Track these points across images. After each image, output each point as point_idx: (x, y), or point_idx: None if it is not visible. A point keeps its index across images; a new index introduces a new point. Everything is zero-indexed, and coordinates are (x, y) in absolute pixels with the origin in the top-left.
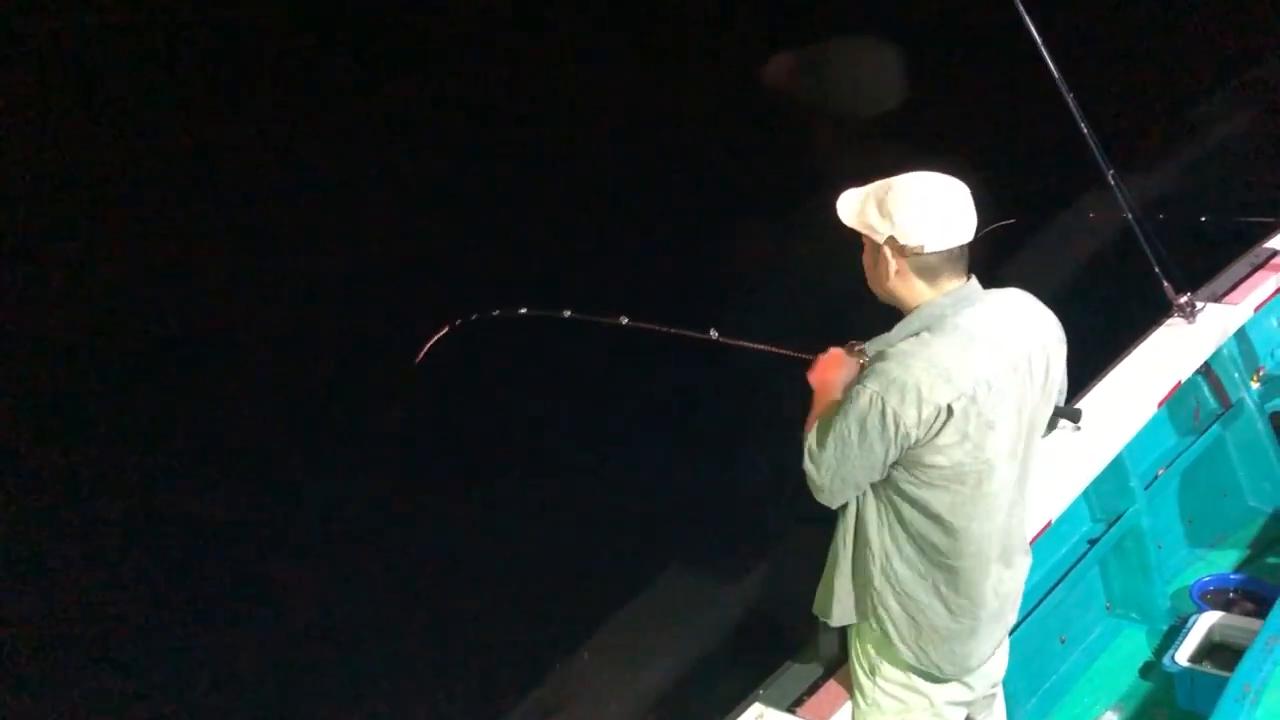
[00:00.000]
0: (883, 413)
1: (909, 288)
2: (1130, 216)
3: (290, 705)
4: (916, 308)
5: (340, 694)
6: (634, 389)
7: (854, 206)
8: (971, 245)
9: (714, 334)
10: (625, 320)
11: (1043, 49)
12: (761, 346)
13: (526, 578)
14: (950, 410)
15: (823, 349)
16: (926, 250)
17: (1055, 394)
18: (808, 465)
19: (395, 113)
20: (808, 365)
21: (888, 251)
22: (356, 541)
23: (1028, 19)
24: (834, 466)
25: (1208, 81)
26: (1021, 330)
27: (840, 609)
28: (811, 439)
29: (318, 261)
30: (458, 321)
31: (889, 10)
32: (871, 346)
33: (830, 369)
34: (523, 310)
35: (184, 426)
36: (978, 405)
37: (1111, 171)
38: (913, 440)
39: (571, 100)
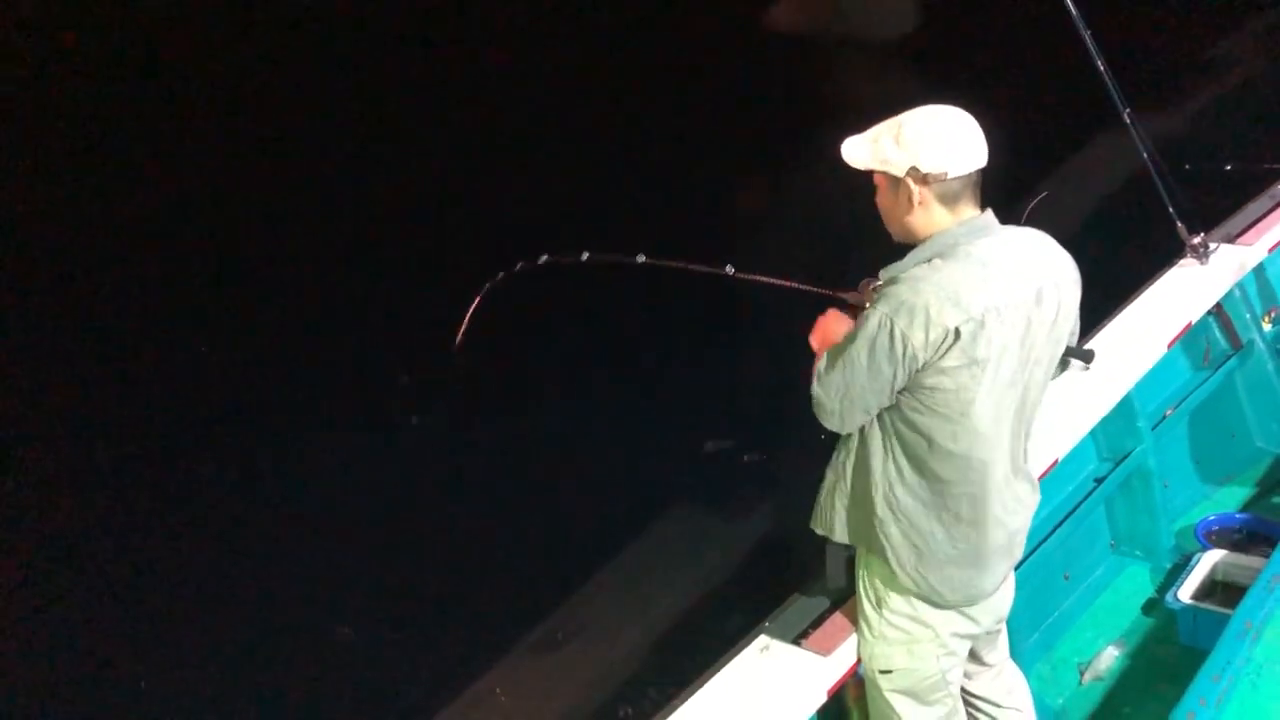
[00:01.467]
0: (891, 334)
1: (929, 219)
2: (1145, 156)
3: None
4: (929, 236)
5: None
6: (637, 327)
7: (864, 149)
8: (987, 183)
9: (729, 269)
10: (642, 258)
11: None
12: (777, 281)
13: (535, 513)
14: (958, 333)
15: (839, 284)
16: (950, 175)
17: (1066, 332)
18: (815, 389)
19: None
20: (824, 300)
21: (910, 183)
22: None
23: None
24: (842, 389)
25: (1227, 21)
26: (1035, 265)
27: (833, 520)
28: (821, 363)
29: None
30: (486, 286)
31: None
32: (885, 273)
33: (830, 326)
34: (544, 258)
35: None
36: (986, 331)
37: (1128, 110)
38: (920, 362)
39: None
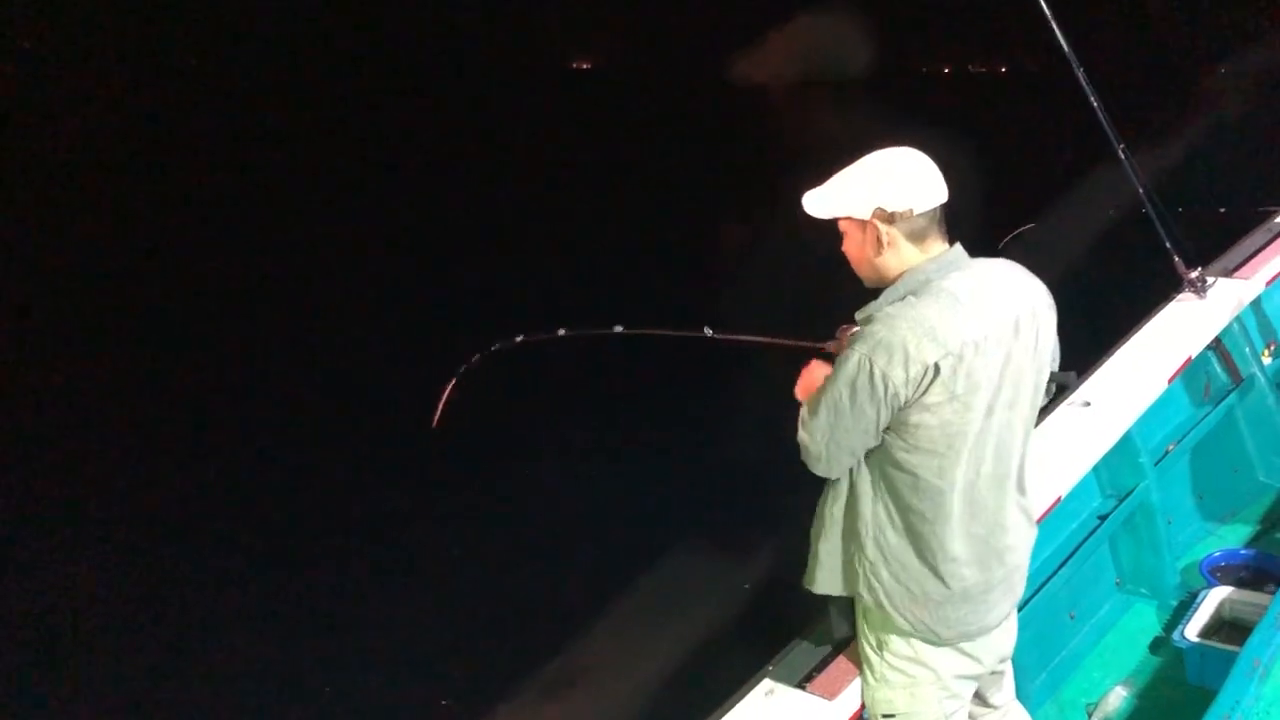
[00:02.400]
0: (871, 374)
1: (900, 258)
2: (1141, 192)
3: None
4: (901, 274)
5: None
6: (641, 377)
7: (826, 198)
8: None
9: (708, 331)
10: (620, 329)
11: (1054, 24)
12: (757, 339)
13: (543, 559)
14: (937, 368)
15: (820, 335)
16: (916, 212)
17: (1048, 359)
18: (801, 435)
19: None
20: (803, 352)
21: (877, 224)
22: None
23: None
24: (828, 432)
25: (1222, 59)
26: (1009, 295)
27: (824, 575)
28: (804, 409)
29: None
30: (461, 369)
31: None
32: (860, 314)
33: (812, 379)
34: (519, 338)
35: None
36: (965, 364)
37: (1122, 146)
38: (902, 400)
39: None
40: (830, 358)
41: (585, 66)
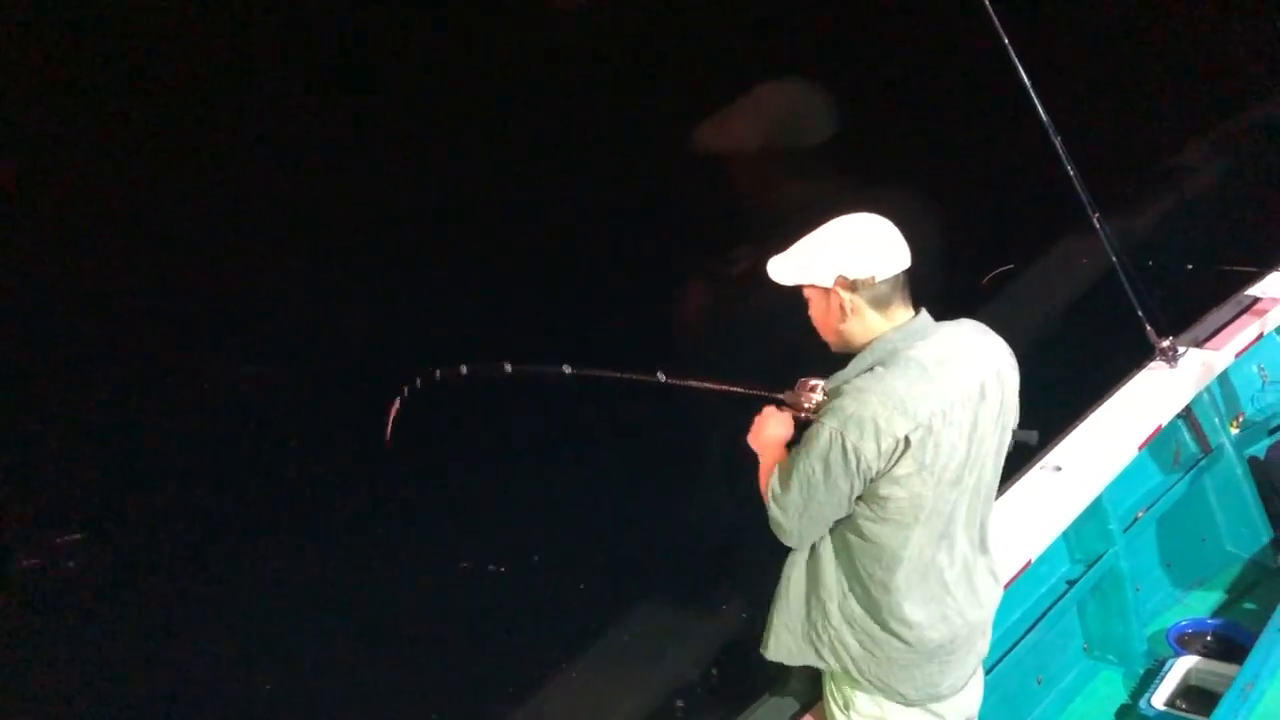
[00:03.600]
0: (843, 448)
1: (864, 325)
2: (1115, 259)
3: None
4: (868, 344)
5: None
6: (598, 429)
7: (789, 266)
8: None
9: (661, 377)
10: (568, 369)
11: (1031, 91)
12: (710, 385)
13: (503, 612)
14: (908, 441)
15: (774, 385)
16: (878, 279)
17: (1011, 421)
18: (773, 511)
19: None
20: (756, 400)
21: (839, 292)
22: (341, 565)
23: (1017, 62)
24: (801, 507)
25: (1192, 126)
26: (974, 360)
27: (779, 644)
28: (774, 483)
29: None
30: (404, 389)
31: (872, 50)
32: (829, 385)
33: (765, 427)
34: (463, 369)
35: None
36: (934, 435)
37: (1097, 214)
38: (874, 473)
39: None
40: (785, 407)
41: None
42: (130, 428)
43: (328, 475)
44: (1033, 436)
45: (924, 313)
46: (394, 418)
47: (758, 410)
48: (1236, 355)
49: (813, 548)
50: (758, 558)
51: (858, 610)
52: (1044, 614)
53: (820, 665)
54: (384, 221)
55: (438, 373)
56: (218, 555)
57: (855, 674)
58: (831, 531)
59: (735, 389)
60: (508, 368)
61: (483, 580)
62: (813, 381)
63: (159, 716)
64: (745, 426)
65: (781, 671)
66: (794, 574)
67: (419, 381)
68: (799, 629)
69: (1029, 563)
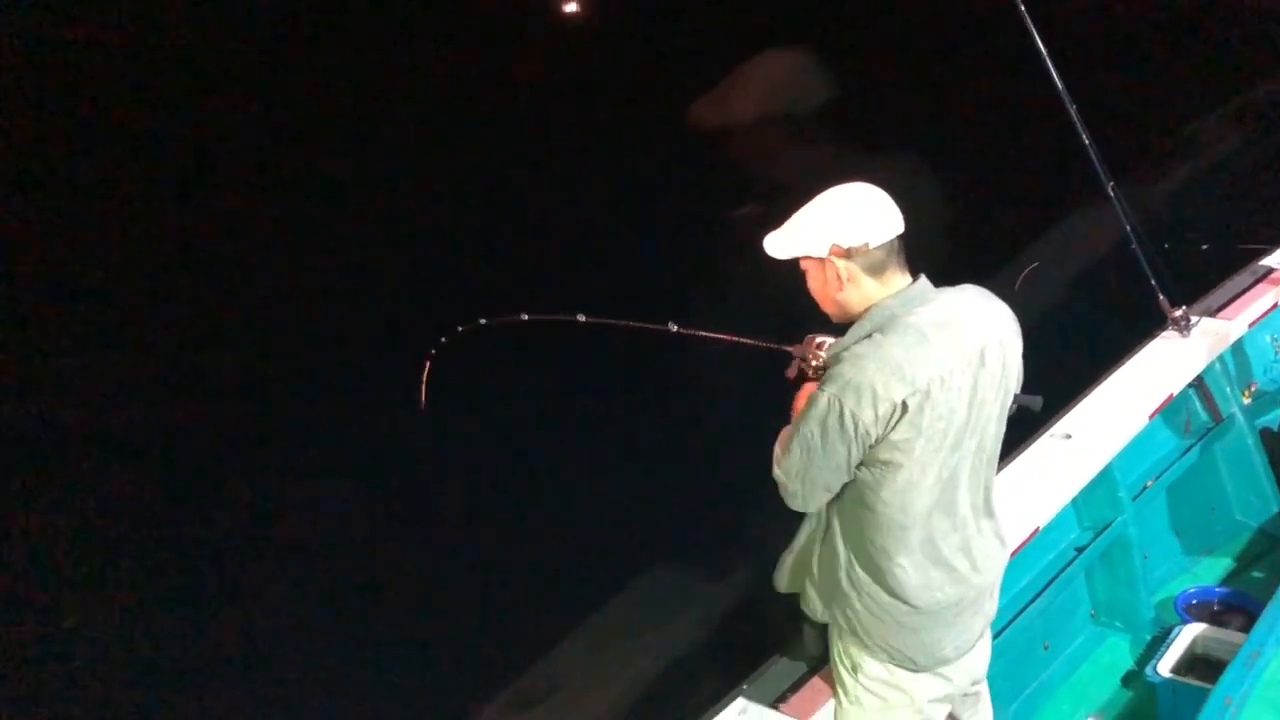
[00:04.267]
0: (840, 414)
1: (861, 292)
2: (1129, 229)
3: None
4: (866, 310)
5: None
6: (617, 388)
7: (784, 240)
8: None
9: (673, 327)
10: (582, 317)
11: (1048, 61)
12: (721, 336)
13: (515, 572)
14: (905, 406)
15: (786, 339)
16: (872, 245)
17: (1014, 384)
18: (776, 472)
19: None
20: (769, 352)
21: (835, 261)
22: (344, 537)
23: (1034, 31)
24: (801, 470)
25: (1209, 97)
26: (975, 325)
27: (811, 603)
28: (777, 447)
29: None
30: (431, 351)
31: (892, 19)
32: (829, 352)
33: (803, 397)
34: (483, 321)
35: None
36: (932, 400)
37: (1112, 184)
38: (873, 438)
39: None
40: (794, 361)
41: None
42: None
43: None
44: (1037, 402)
45: (923, 278)
46: (427, 378)
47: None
48: (1250, 325)
49: (824, 516)
50: (768, 521)
51: (863, 576)
52: (1052, 580)
53: (835, 626)
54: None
55: (459, 328)
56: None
57: (866, 639)
58: (839, 500)
59: (745, 340)
60: (524, 317)
61: (493, 543)
62: (819, 338)
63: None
64: (767, 382)
65: (790, 633)
66: (811, 542)
67: (442, 340)
68: (814, 587)
69: (1037, 529)
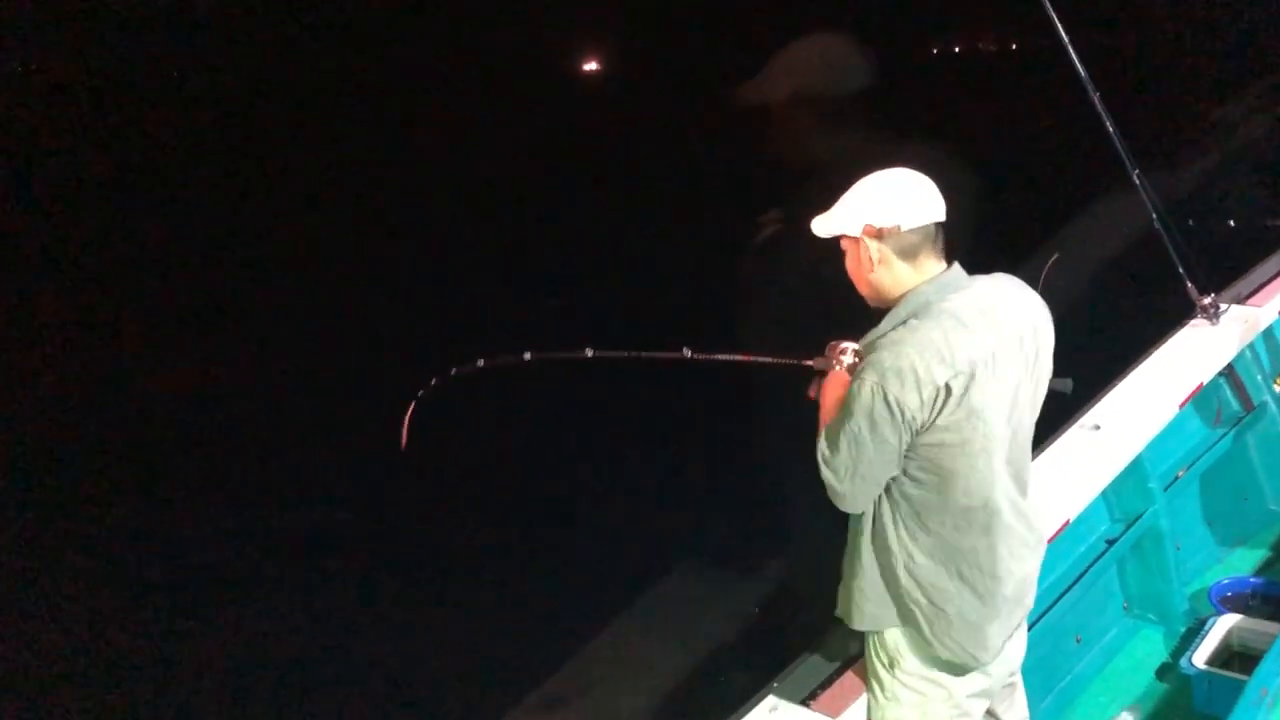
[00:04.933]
0: (886, 401)
1: (893, 275)
2: (1155, 217)
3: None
4: (901, 297)
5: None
6: (651, 389)
7: (825, 220)
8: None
9: (687, 353)
10: (590, 352)
11: (1069, 48)
12: (738, 358)
13: (546, 572)
14: (948, 389)
15: (807, 352)
16: (904, 228)
17: (1047, 373)
18: (825, 474)
19: None
20: (789, 369)
21: (867, 241)
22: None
23: (1056, 19)
24: (851, 466)
25: (1235, 82)
26: (1011, 312)
27: (862, 614)
28: (822, 447)
29: None
30: (419, 393)
31: (916, 10)
32: (863, 342)
33: (831, 391)
34: (480, 363)
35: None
36: (975, 383)
37: (1137, 171)
38: (919, 423)
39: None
40: (819, 374)
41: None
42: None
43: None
44: (1067, 385)
45: (956, 266)
46: (409, 421)
47: (813, 380)
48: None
49: (875, 513)
50: (798, 519)
51: (925, 564)
52: (1084, 573)
53: (895, 626)
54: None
55: (453, 370)
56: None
57: (928, 633)
58: (887, 493)
59: (764, 359)
60: (527, 356)
61: (524, 543)
62: (842, 344)
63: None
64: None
65: (829, 625)
66: (860, 541)
67: (434, 381)
68: (874, 593)
69: (1068, 521)
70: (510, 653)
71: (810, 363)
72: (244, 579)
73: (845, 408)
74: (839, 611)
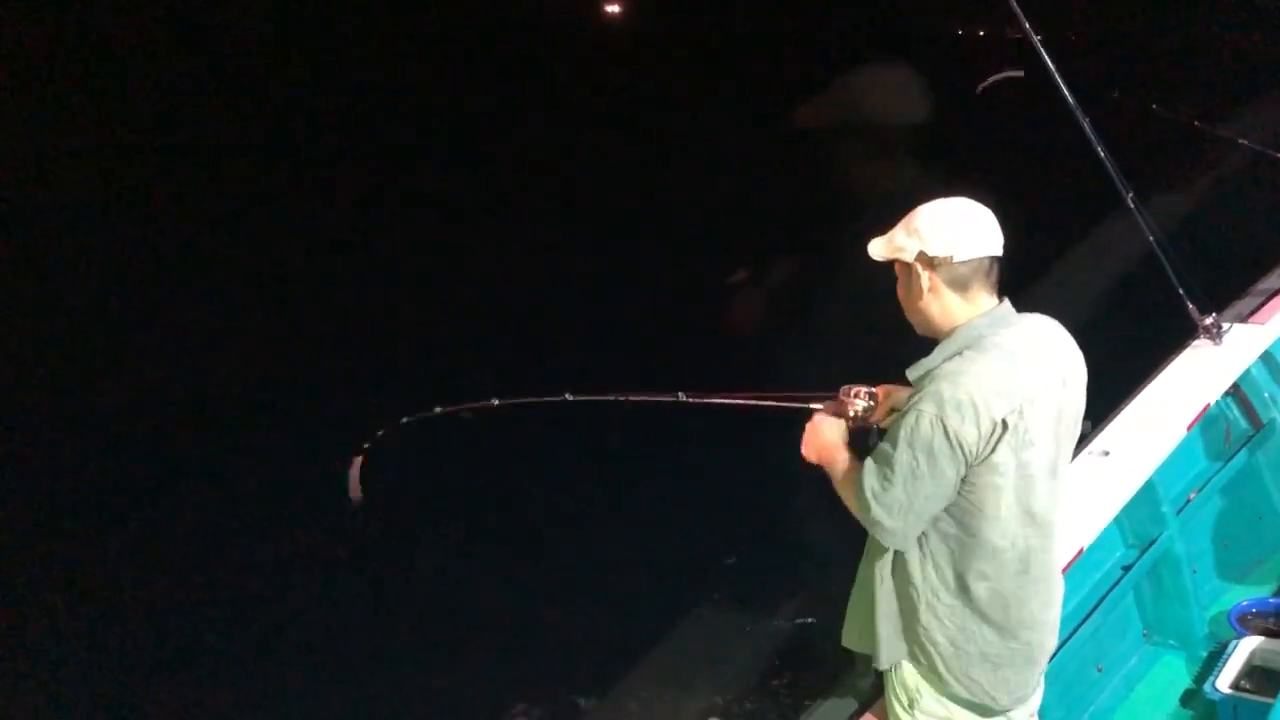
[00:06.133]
0: (946, 434)
1: (943, 306)
2: (1152, 238)
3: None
4: (954, 329)
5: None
6: (661, 432)
7: (882, 241)
8: (1001, 268)
9: (681, 396)
10: (569, 396)
11: (1056, 75)
12: (734, 400)
13: (559, 611)
14: (1005, 424)
15: (813, 394)
16: (956, 260)
17: (1080, 417)
18: (876, 513)
19: None
20: (789, 411)
21: (919, 268)
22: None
23: (1039, 45)
24: (905, 504)
25: (1231, 98)
26: (1057, 353)
27: (885, 649)
28: (872, 485)
29: None
30: (365, 446)
31: (904, 41)
32: (913, 372)
33: (820, 433)
34: (438, 410)
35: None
36: (1025, 421)
37: (1130, 194)
38: (975, 457)
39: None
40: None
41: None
42: None
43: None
44: (1086, 427)
45: (1007, 302)
46: (359, 474)
47: (804, 419)
48: None
49: (890, 552)
50: (817, 559)
51: (950, 604)
52: (1100, 601)
53: (906, 660)
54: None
55: (404, 419)
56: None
57: (944, 672)
58: None
59: (765, 402)
60: (495, 402)
61: (546, 581)
62: (855, 388)
63: None
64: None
65: (846, 667)
66: (880, 572)
67: (381, 433)
68: (894, 628)
69: (1082, 550)
70: (519, 691)
71: (817, 406)
72: None
73: (898, 442)
74: (846, 640)
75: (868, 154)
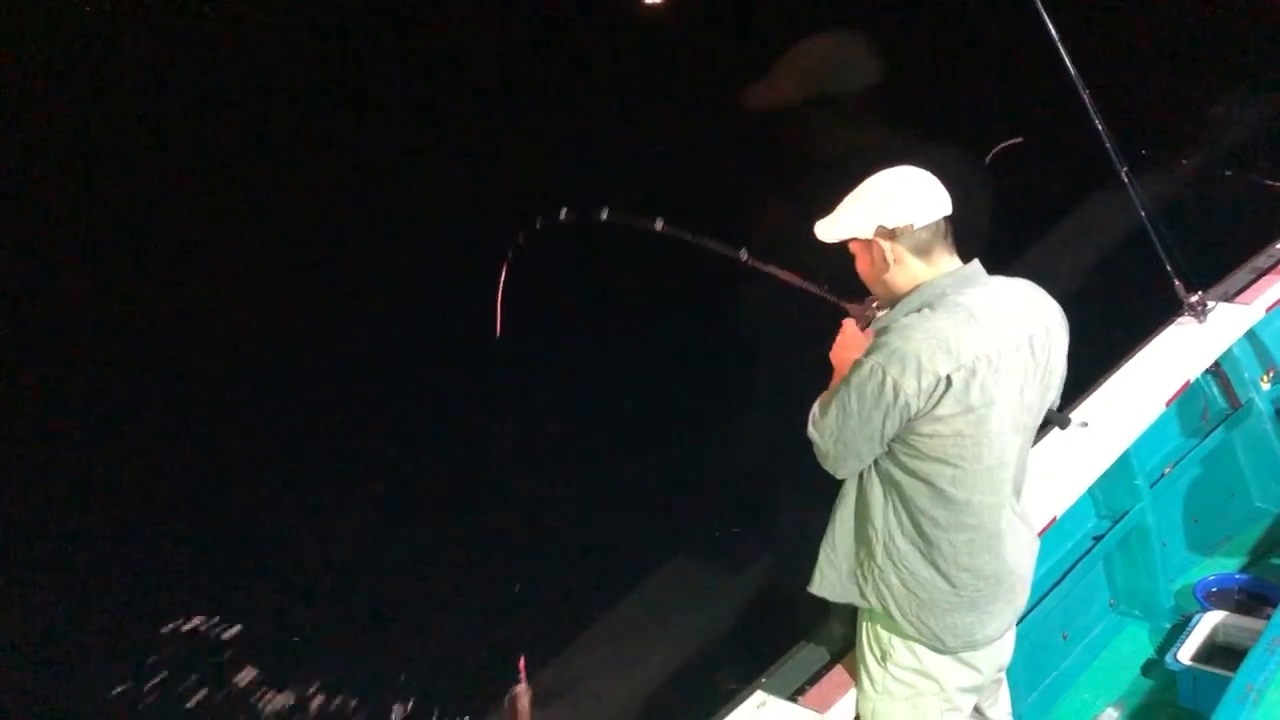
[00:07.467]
0: (882, 382)
1: (908, 273)
2: (1143, 215)
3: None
4: (916, 287)
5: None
6: (636, 371)
7: (832, 225)
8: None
9: (744, 254)
10: (660, 224)
11: (1060, 46)
12: (787, 276)
13: (531, 564)
14: (949, 381)
15: (850, 296)
16: (917, 226)
17: (1056, 381)
18: (811, 431)
19: None
20: (830, 305)
21: (880, 243)
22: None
23: (1046, 16)
24: (835, 432)
25: (1224, 80)
26: (1024, 313)
27: (831, 580)
28: (816, 406)
29: None
30: (509, 252)
31: (906, 5)
32: (876, 325)
33: (845, 346)
34: (564, 212)
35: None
36: (978, 378)
37: (1125, 169)
38: (913, 410)
39: None
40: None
41: None
42: None
43: None
44: (1065, 419)
45: (976, 262)
46: (504, 283)
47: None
48: (1267, 310)
49: (862, 488)
50: (794, 507)
51: (904, 549)
52: (1070, 569)
53: (861, 604)
54: None
55: (538, 220)
56: None
57: (896, 614)
58: (879, 471)
59: (809, 286)
60: (604, 215)
61: (507, 536)
62: (877, 302)
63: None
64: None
65: (817, 620)
66: (842, 512)
67: (521, 235)
68: (844, 566)
69: (1055, 519)
70: (496, 651)
71: (847, 306)
72: None
73: (845, 379)
74: (810, 585)
75: (842, 120)
